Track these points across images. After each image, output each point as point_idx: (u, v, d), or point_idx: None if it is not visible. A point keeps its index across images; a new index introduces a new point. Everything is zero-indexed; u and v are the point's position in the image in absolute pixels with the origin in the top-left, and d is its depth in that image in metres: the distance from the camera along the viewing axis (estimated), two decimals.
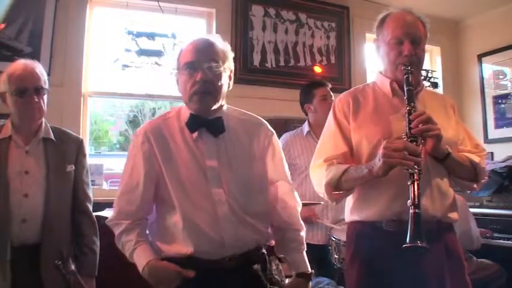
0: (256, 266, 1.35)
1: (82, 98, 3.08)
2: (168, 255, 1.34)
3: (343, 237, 1.95)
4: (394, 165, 1.32)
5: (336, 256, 2.21)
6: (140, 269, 1.33)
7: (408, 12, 1.53)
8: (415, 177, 1.29)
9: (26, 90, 1.68)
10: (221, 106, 1.43)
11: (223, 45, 1.43)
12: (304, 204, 2.60)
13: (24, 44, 2.87)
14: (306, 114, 2.78)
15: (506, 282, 2.63)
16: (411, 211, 1.27)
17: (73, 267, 1.62)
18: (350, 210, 1.56)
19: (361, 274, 1.48)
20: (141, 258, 1.33)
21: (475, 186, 1.53)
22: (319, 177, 1.52)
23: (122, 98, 3.41)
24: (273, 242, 1.51)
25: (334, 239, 2.25)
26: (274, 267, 1.39)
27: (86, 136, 3.12)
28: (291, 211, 1.50)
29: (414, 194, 1.28)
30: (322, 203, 2.53)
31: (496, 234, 3.12)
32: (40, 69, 1.77)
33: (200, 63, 1.35)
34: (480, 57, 4.32)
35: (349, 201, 1.57)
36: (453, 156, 1.44)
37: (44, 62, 2.86)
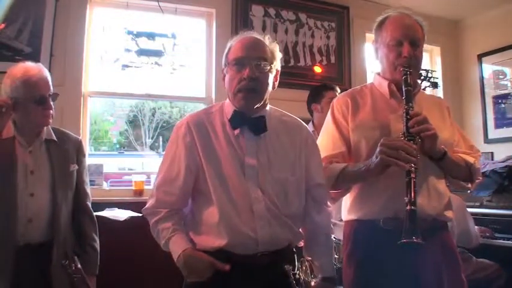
0: (288, 266, 1.34)
1: (82, 98, 3.08)
2: (201, 248, 1.35)
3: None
4: (390, 163, 1.34)
5: (336, 256, 2.21)
6: (175, 256, 1.32)
7: (406, 14, 1.56)
8: (412, 175, 1.30)
9: (45, 98, 1.71)
10: (265, 105, 1.45)
11: (273, 45, 1.45)
12: None
13: (24, 44, 2.87)
14: (311, 114, 2.81)
15: (506, 283, 2.63)
16: (407, 208, 1.28)
17: (79, 265, 1.64)
18: (347, 209, 1.58)
19: (358, 272, 1.50)
20: (177, 246, 1.33)
21: (469, 186, 1.57)
22: None
23: (122, 98, 3.41)
24: (301, 243, 1.52)
25: (334, 239, 2.24)
26: (303, 268, 1.38)
27: (86, 136, 3.12)
28: (324, 215, 1.49)
29: (410, 191, 1.29)
30: None
31: (496, 234, 3.12)
32: (48, 73, 1.78)
33: (249, 59, 1.36)
34: (480, 57, 4.31)
35: (347, 200, 1.59)
36: (449, 156, 1.46)
37: (44, 62, 2.86)
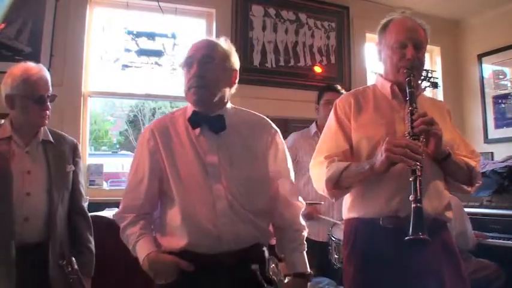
0: (255, 266, 1.34)
1: (82, 98, 3.08)
2: (166, 249, 1.37)
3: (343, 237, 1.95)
4: (396, 161, 1.34)
5: (336, 256, 2.21)
6: (141, 260, 1.35)
7: (410, 18, 1.59)
8: (418, 173, 1.31)
9: (44, 98, 1.72)
10: (223, 104, 1.46)
11: (227, 46, 1.48)
12: (307, 204, 2.64)
13: (24, 44, 2.87)
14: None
15: (505, 282, 2.63)
16: (413, 205, 1.29)
17: (76, 266, 1.63)
18: (348, 208, 1.58)
19: (358, 270, 1.50)
20: (142, 250, 1.36)
21: (469, 189, 1.57)
22: (319, 173, 1.53)
23: (122, 98, 3.42)
24: (274, 241, 1.52)
25: (334, 239, 2.25)
26: (272, 267, 1.39)
27: (86, 136, 3.12)
28: (293, 210, 1.50)
29: (416, 189, 1.30)
30: (322, 202, 2.55)
31: (496, 234, 3.12)
32: (48, 74, 1.79)
33: (196, 58, 1.40)
34: (480, 57, 4.32)
35: (347, 199, 1.59)
36: (453, 157, 1.47)
37: (44, 62, 2.87)
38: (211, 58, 1.41)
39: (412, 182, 1.31)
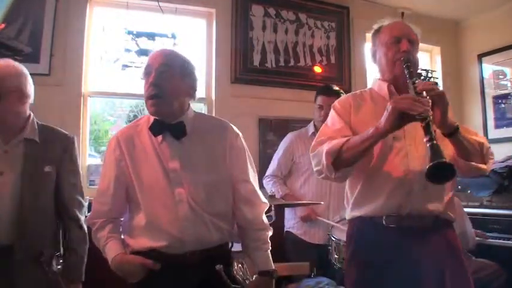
0: (218, 266, 1.41)
1: (82, 98, 3.08)
2: (134, 249, 1.45)
3: (343, 237, 1.95)
4: (404, 110, 1.25)
5: (336, 256, 2.21)
6: (109, 262, 1.44)
7: (401, 21, 1.65)
8: (428, 119, 1.24)
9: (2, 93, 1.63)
10: (183, 111, 1.50)
11: (186, 57, 1.54)
12: (304, 205, 2.64)
13: (24, 44, 2.87)
14: None
15: (506, 282, 2.63)
16: (429, 144, 1.21)
17: (55, 268, 1.63)
18: (350, 207, 1.58)
19: (361, 271, 1.50)
20: (109, 253, 1.45)
21: (484, 167, 1.48)
22: (319, 152, 1.46)
23: (122, 98, 3.41)
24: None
25: (334, 239, 2.25)
26: (236, 267, 1.46)
27: (86, 136, 3.12)
28: (254, 210, 1.55)
29: (430, 131, 1.22)
30: (322, 203, 2.55)
31: (496, 234, 3.12)
32: (20, 71, 1.70)
33: (153, 67, 1.45)
34: (480, 57, 4.31)
35: (350, 199, 1.59)
36: (461, 131, 1.40)
37: (44, 62, 2.87)
38: (168, 67, 1.45)
39: (424, 128, 1.24)
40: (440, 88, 4.16)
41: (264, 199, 1.59)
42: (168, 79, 1.43)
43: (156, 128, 1.47)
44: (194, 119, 1.53)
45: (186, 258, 1.41)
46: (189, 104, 1.54)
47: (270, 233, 1.58)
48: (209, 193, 1.45)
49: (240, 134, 1.58)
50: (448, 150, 1.41)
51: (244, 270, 1.50)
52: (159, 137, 1.47)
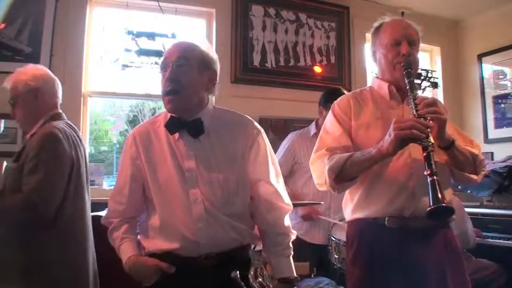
0: (234, 273, 1.30)
1: (82, 98, 3.08)
2: (150, 251, 1.40)
3: (343, 237, 1.95)
4: (405, 137, 1.30)
5: (336, 256, 2.21)
6: (123, 264, 1.39)
7: (402, 19, 1.62)
8: (430, 149, 1.29)
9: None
10: (202, 107, 1.43)
11: (205, 47, 1.45)
12: (305, 205, 2.64)
13: (24, 44, 2.87)
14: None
15: (506, 282, 2.63)
16: (429, 179, 1.26)
17: None
18: (352, 209, 1.57)
19: (364, 271, 1.49)
20: (124, 254, 1.40)
21: (475, 178, 1.54)
22: (320, 165, 1.49)
23: (122, 98, 3.41)
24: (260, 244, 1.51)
25: (334, 239, 2.25)
26: (252, 273, 1.36)
27: (86, 136, 3.12)
28: (276, 213, 1.46)
29: (430, 164, 1.27)
30: (322, 203, 2.55)
31: (496, 234, 3.12)
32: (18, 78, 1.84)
33: (170, 61, 1.37)
34: (480, 57, 4.32)
35: (351, 201, 1.58)
36: (457, 145, 1.45)
37: (44, 62, 2.87)
38: (186, 60, 1.37)
39: (424, 159, 1.28)
40: (440, 88, 4.11)
41: (287, 201, 1.49)
42: (185, 73, 1.36)
43: (172, 126, 1.39)
44: (213, 115, 1.45)
45: (202, 261, 1.34)
46: (208, 99, 1.46)
47: (293, 237, 1.49)
48: (226, 193, 1.38)
49: (262, 130, 1.50)
50: (441, 155, 1.45)
51: (264, 275, 1.40)
52: (176, 135, 1.40)
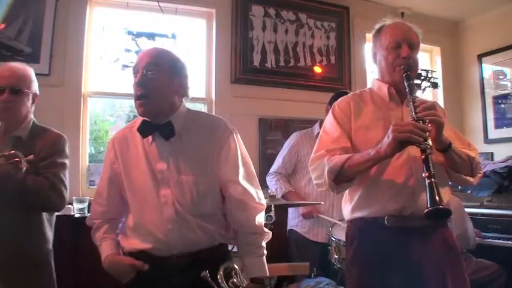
0: (204, 273, 1.34)
1: (82, 98, 3.08)
2: (127, 250, 1.47)
3: (343, 237, 1.95)
4: (404, 139, 1.32)
5: (336, 256, 2.21)
6: (102, 262, 1.46)
7: (403, 22, 1.65)
8: (428, 151, 1.31)
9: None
10: (173, 111, 1.46)
11: (175, 55, 1.49)
12: (305, 205, 2.65)
13: (24, 44, 2.87)
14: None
15: (506, 283, 2.63)
16: (427, 181, 1.29)
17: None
18: (351, 208, 1.58)
19: (363, 271, 1.50)
20: (103, 253, 1.47)
21: (471, 180, 1.57)
22: (320, 166, 1.51)
23: (122, 98, 3.40)
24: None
25: (334, 239, 2.25)
26: (221, 273, 1.36)
27: (86, 136, 3.12)
28: (247, 213, 1.46)
29: (428, 166, 1.30)
30: (322, 203, 2.56)
31: (496, 234, 3.12)
32: (22, 71, 1.78)
33: (139, 66, 1.42)
34: (480, 57, 4.32)
35: (350, 200, 1.59)
36: (454, 147, 1.47)
37: (44, 62, 2.87)
38: (156, 66, 1.41)
39: (423, 161, 1.31)
40: (440, 88, 4.13)
41: (259, 200, 1.49)
42: (155, 78, 1.39)
43: (144, 129, 1.44)
44: (186, 118, 1.48)
45: (174, 261, 1.39)
46: (181, 103, 1.50)
47: (267, 237, 1.50)
48: (196, 195, 1.41)
49: (235, 131, 1.51)
50: (439, 156, 1.46)
51: (239, 275, 1.40)
52: (149, 138, 1.44)
